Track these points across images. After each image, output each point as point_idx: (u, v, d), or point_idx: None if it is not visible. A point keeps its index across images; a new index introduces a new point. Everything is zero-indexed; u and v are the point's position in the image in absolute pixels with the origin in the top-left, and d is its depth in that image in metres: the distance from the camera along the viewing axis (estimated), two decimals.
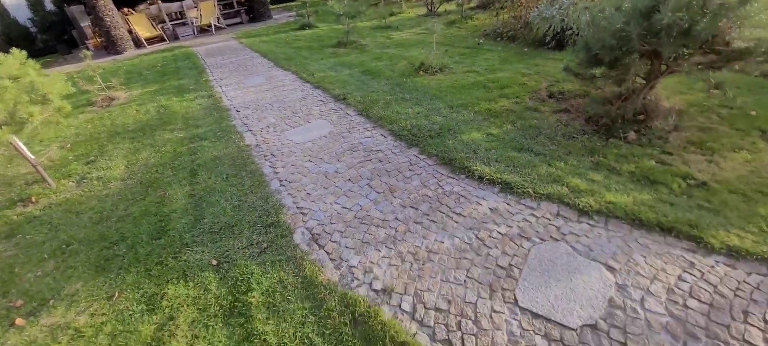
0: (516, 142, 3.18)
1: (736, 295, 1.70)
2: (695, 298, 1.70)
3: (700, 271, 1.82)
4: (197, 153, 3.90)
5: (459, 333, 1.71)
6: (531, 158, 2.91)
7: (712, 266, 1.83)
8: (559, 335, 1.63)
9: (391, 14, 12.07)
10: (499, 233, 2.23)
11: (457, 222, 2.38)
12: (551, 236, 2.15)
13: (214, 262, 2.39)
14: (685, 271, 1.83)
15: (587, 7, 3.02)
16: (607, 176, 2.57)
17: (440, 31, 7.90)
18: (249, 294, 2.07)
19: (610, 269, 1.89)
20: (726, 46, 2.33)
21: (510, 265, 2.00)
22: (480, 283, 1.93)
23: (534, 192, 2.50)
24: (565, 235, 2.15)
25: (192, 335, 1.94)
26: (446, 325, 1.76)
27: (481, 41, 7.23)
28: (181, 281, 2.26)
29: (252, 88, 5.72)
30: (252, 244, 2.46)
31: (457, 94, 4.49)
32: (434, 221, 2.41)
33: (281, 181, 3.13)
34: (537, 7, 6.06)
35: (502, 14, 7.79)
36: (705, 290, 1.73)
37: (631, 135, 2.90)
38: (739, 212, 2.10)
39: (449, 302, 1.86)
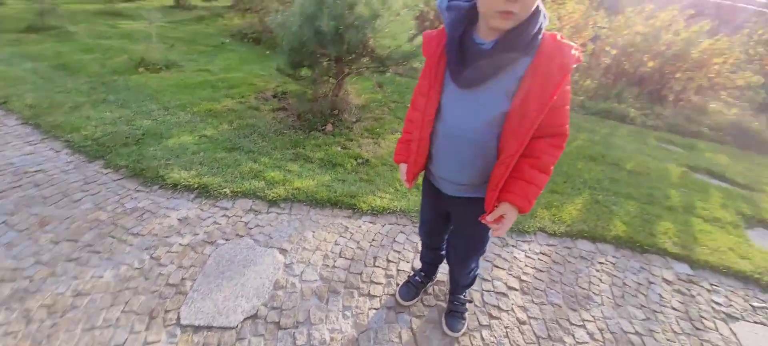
0: (229, 141, 3.08)
1: (371, 245, 2.17)
2: (343, 257, 2.06)
3: (351, 233, 2.23)
4: None
5: None
6: (239, 157, 2.87)
7: (360, 226, 2.29)
8: (217, 341, 1.59)
9: None
10: (182, 244, 2.03)
11: (131, 245, 2.01)
12: (237, 234, 2.14)
13: None
14: (340, 236, 2.20)
15: (278, 10, 3.22)
16: (303, 164, 2.85)
17: (159, 20, 6.81)
18: None
19: (283, 251, 2.05)
20: (372, 53, 3.00)
21: (182, 279, 1.84)
22: (138, 314, 1.66)
23: (231, 191, 2.44)
24: (251, 229, 2.18)
25: None
26: None
27: (226, 41, 6.85)
28: None
29: None
30: None
31: (179, 93, 3.99)
32: (98, 252, 1.95)
33: None
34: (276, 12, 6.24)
35: (249, 16, 7.64)
36: (350, 247, 2.13)
37: (329, 127, 3.35)
38: (384, 179, 2.76)
39: None
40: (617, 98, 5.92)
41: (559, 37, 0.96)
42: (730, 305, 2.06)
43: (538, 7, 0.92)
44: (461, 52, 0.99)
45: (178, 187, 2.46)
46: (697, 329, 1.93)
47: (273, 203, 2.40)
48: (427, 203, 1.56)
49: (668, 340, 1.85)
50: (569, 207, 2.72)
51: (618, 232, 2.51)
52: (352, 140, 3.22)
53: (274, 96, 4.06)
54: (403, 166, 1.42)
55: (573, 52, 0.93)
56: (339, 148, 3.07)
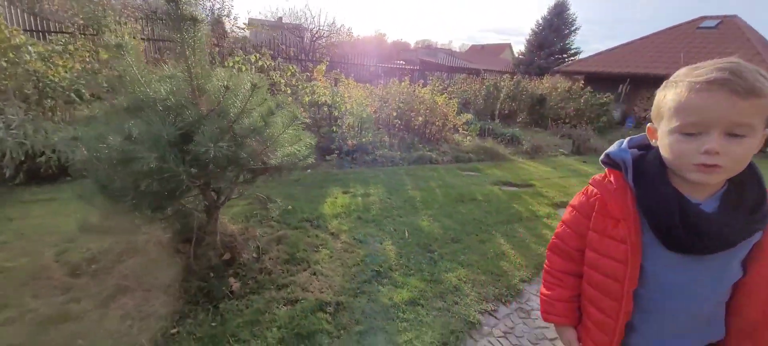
0: None
1: None
2: None
3: None
4: None
5: None
6: None
7: None
8: None
9: None
10: None
11: None
12: None
13: None
14: None
15: (76, 138, 1.89)
16: None
17: None
18: None
19: None
20: (264, 165, 2.28)
21: None
22: None
23: None
24: None
25: None
26: None
27: None
28: None
29: None
30: None
31: None
32: None
33: None
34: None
35: None
36: None
37: (234, 283, 2.24)
38: (380, 316, 2.12)
39: None
40: (413, 147, 7.35)
41: None
42: None
43: (752, 162, 0.80)
44: (680, 213, 0.81)
45: None
46: None
47: None
48: None
49: None
50: (506, 260, 3.00)
51: (539, 261, 3.00)
52: (284, 287, 2.27)
53: (74, 275, 2.29)
54: (571, 333, 1.07)
55: None
56: (283, 307, 2.08)
